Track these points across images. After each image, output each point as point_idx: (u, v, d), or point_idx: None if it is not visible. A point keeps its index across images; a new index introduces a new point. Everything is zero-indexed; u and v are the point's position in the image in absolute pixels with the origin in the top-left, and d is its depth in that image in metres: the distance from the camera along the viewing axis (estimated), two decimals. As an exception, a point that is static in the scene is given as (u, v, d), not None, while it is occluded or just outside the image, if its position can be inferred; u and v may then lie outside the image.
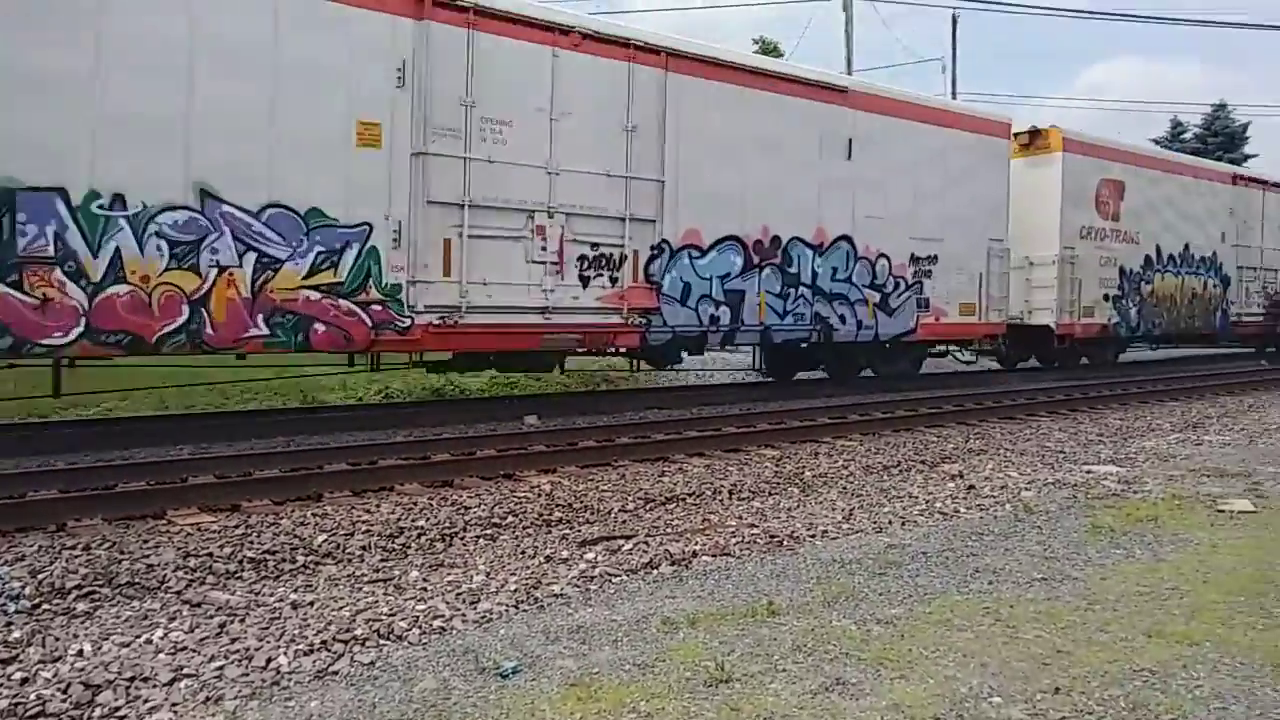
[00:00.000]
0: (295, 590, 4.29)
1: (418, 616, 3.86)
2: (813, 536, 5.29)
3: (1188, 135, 39.15)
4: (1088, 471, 7.30)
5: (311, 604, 4.06)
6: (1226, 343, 21.62)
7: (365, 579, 4.49)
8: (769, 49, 28.99)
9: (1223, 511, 5.74)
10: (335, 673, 3.32)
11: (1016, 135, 15.87)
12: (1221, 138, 38.25)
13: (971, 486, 6.69)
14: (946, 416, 10.65)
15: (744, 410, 10.88)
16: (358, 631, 3.67)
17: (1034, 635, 3.56)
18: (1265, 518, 5.58)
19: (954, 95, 26.47)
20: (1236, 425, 10.23)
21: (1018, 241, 15.29)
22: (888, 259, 12.86)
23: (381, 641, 3.61)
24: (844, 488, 6.82)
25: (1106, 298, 16.71)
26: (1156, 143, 32.96)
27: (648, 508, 6.11)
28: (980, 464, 7.75)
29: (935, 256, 13.45)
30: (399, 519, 5.51)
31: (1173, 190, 18.27)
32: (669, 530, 5.44)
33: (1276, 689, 3.05)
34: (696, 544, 5.06)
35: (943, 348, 15.36)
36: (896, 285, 13.02)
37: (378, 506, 5.82)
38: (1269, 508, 5.84)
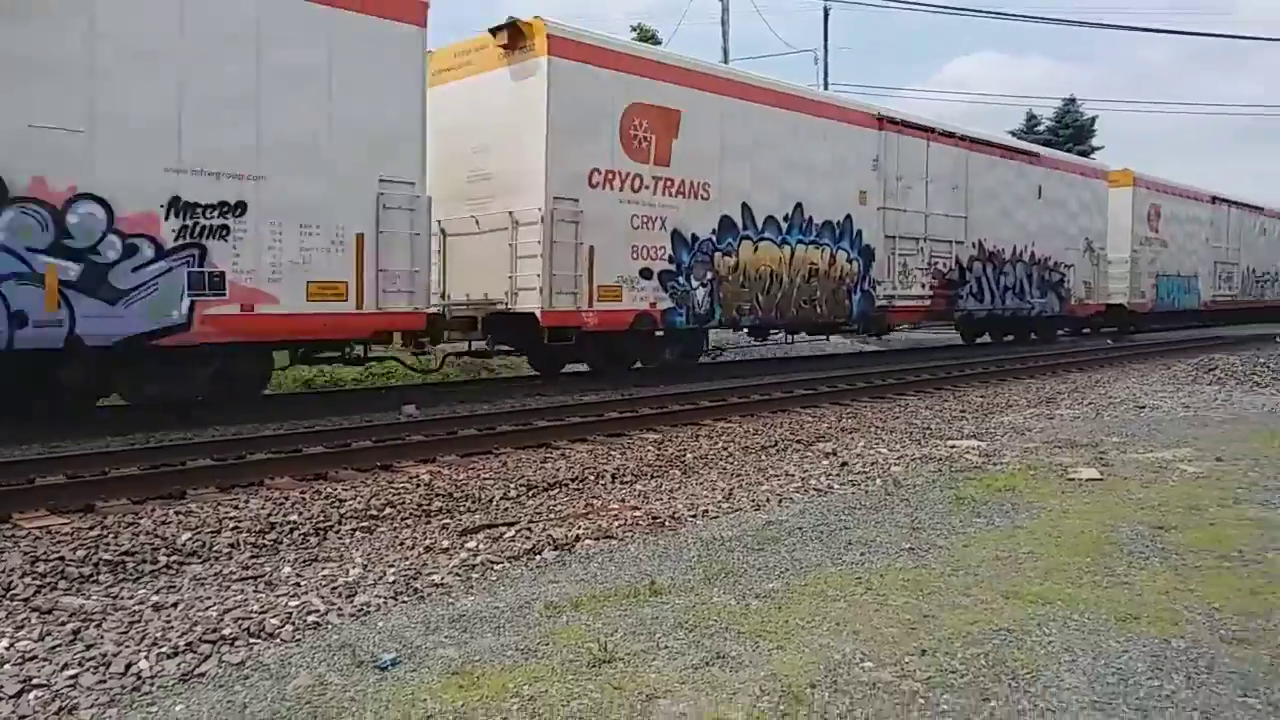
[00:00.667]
0: (157, 592, 4.09)
1: (291, 613, 3.73)
2: (694, 516, 5.36)
3: (1041, 128, 41.46)
4: (952, 446, 7.66)
5: (175, 605, 3.87)
6: (857, 330, 17.47)
7: (234, 577, 4.31)
8: (647, 36, 29.12)
9: (1072, 479, 6.11)
10: (202, 675, 3.17)
11: (494, 32, 11.17)
12: (1071, 130, 40.70)
13: (844, 463, 6.92)
14: (821, 397, 10.98)
15: (626, 395, 10.95)
16: (226, 631, 3.52)
17: (903, 602, 3.72)
18: (1109, 484, 5.97)
19: (825, 86, 27.10)
20: (1085, 400, 10.91)
21: (505, 190, 11.15)
22: (103, 205, 7.67)
23: (252, 640, 3.48)
24: (724, 468, 6.94)
25: (648, 274, 11.88)
26: (1013, 134, 34.35)
27: (530, 494, 6.08)
28: (852, 442, 8.02)
29: (242, 205, 8.41)
30: (270, 514, 5.31)
31: (774, 130, 13.58)
32: (552, 516, 5.42)
33: (1118, 640, 3.28)
34: (580, 528, 5.06)
35: (380, 350, 10.32)
36: (128, 251, 7.83)
37: (246, 502, 5.60)
38: (1113, 475, 6.26)
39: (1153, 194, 25.49)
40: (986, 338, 22.32)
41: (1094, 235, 22.37)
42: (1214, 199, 29.09)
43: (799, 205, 14.23)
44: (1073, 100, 42.28)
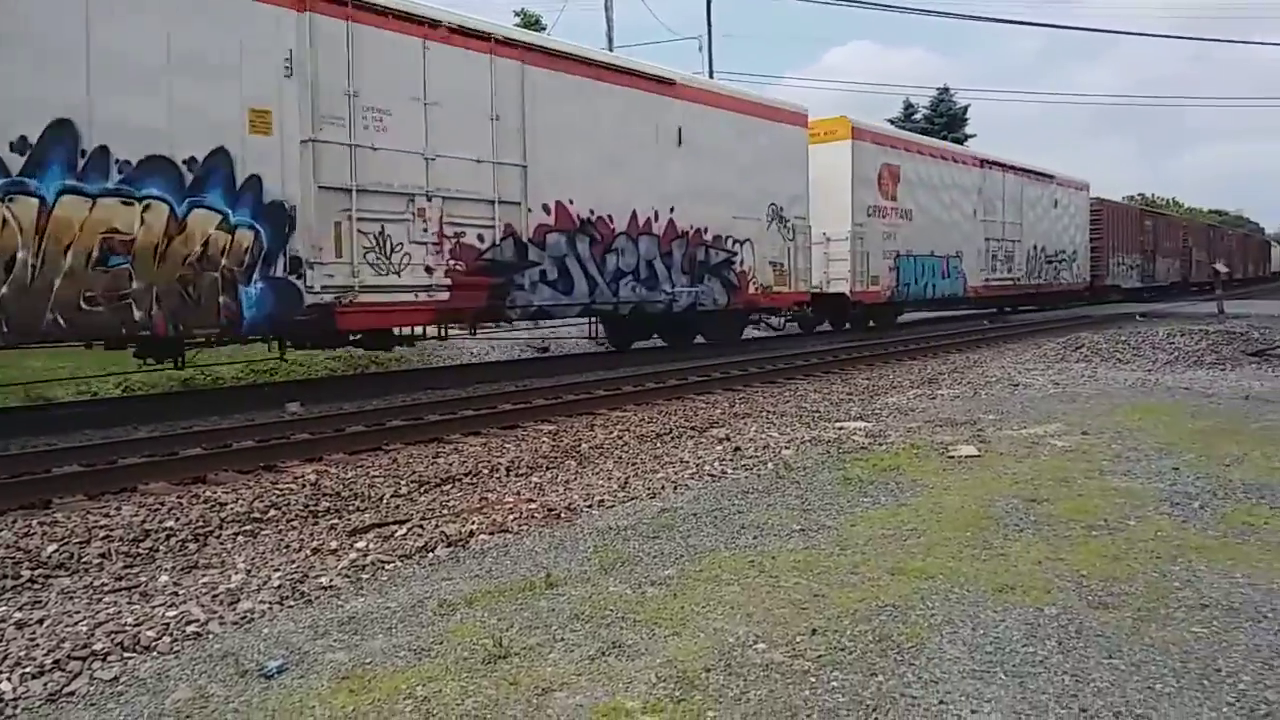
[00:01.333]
0: (20, 609, 3.84)
1: (168, 624, 3.56)
2: (590, 507, 5.36)
3: (918, 116, 42.95)
4: (840, 428, 7.87)
5: (41, 621, 3.65)
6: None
7: (106, 589, 4.10)
8: (530, 22, 28.89)
9: (953, 457, 6.35)
10: (71, 694, 3.00)
11: None
12: (946, 118, 42.26)
13: (737, 448, 7.03)
14: (714, 384, 11.12)
15: (521, 387, 10.86)
16: (97, 646, 3.34)
17: (794, 583, 3.80)
18: (986, 460, 6.24)
19: (711, 74, 27.42)
20: (964, 380, 11.36)
21: None
22: None
23: (126, 654, 3.31)
24: (620, 457, 6.96)
25: None
26: (892, 123, 35.10)
27: (422, 491, 5.97)
28: (745, 427, 8.16)
29: None
30: (144, 521, 5.06)
31: None
32: (445, 512, 5.34)
33: (995, 610, 3.43)
34: (473, 523, 4.99)
35: None
36: None
37: (118, 509, 5.32)
38: (989, 451, 6.54)
39: (885, 151, 19.84)
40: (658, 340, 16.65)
41: (786, 201, 16.54)
42: (982, 162, 24.13)
43: (64, 124, 7.81)
44: (946, 89, 43.98)
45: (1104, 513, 4.75)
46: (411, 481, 6.11)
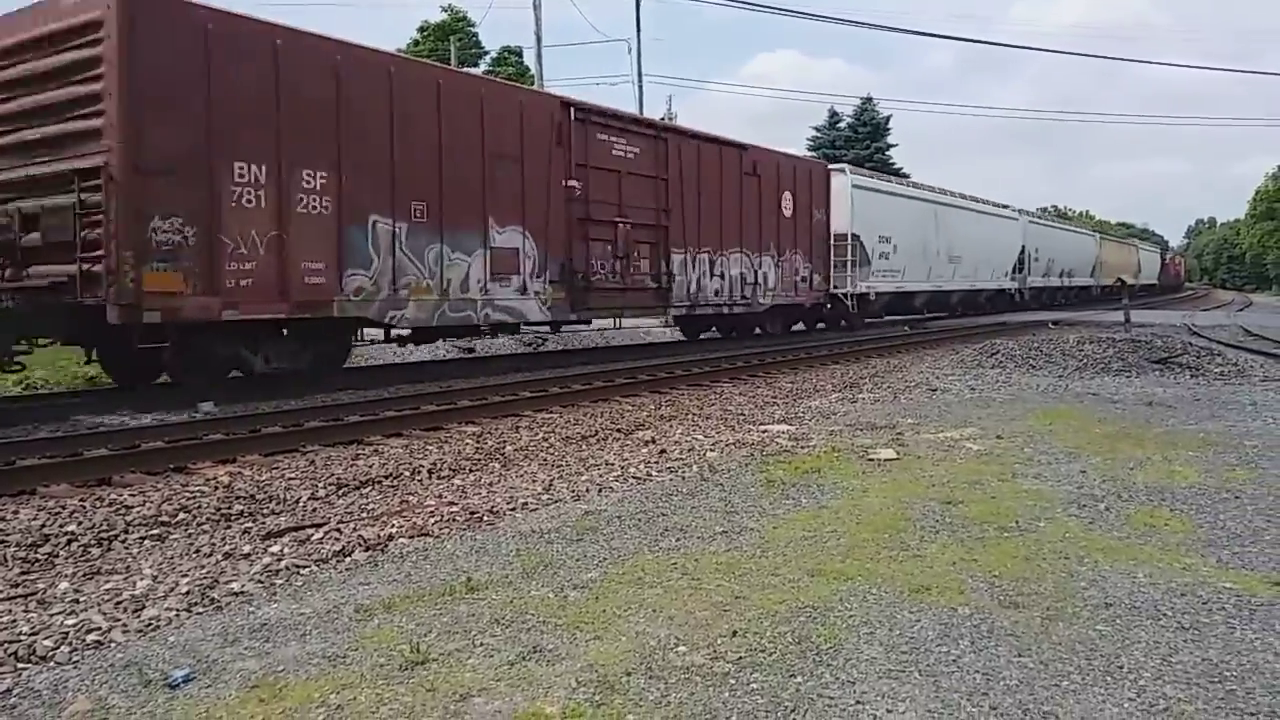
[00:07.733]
0: (-96, 618, 3.63)
1: (67, 632, 3.41)
2: (513, 510, 5.30)
3: (842, 125, 43.79)
4: (764, 431, 7.95)
5: (-73, 632, 3.46)
6: None
7: (0, 596, 3.90)
8: (458, 19, 28.59)
9: (872, 460, 6.47)
10: (-42, 709, 2.85)
11: None
12: (870, 128, 43.15)
13: (663, 451, 7.04)
14: (640, 386, 11.14)
15: (444, 387, 10.72)
16: (-12, 658, 3.18)
17: (716, 585, 3.81)
18: (905, 463, 6.37)
19: (640, 75, 27.53)
20: (884, 384, 11.59)
21: None
22: None
23: (20, 665, 3.15)
24: (544, 460, 6.91)
25: None
26: (817, 130, 35.71)
27: (340, 493, 5.84)
28: (671, 429, 8.18)
29: None
30: (43, 525, 4.84)
31: None
32: (364, 515, 5.22)
33: (911, 611, 3.49)
34: (393, 527, 4.90)
35: None
36: None
37: (15, 513, 5.08)
38: (908, 454, 6.67)
39: None
40: None
41: None
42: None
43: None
44: (869, 99, 44.92)
45: (1016, 515, 4.89)
46: (329, 484, 5.98)
